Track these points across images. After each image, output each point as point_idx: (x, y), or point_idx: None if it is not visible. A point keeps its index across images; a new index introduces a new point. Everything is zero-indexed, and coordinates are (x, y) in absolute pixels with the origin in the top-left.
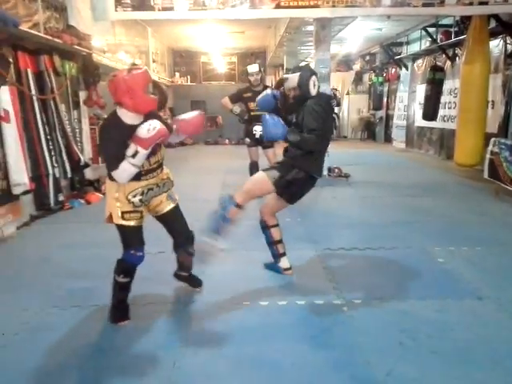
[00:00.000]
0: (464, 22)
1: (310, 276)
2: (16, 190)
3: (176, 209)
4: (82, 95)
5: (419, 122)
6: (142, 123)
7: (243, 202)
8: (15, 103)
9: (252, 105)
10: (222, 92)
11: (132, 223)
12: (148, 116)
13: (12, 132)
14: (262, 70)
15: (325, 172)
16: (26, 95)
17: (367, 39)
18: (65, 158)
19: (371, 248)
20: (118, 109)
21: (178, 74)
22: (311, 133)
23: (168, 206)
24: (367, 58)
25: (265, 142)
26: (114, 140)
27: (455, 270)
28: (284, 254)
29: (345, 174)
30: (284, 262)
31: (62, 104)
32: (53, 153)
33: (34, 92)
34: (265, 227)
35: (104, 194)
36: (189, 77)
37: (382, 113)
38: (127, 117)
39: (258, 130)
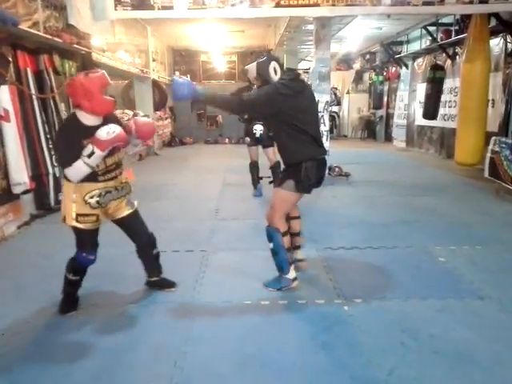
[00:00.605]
0: (464, 21)
1: (310, 275)
2: (16, 190)
3: (135, 213)
4: None
5: (419, 120)
6: (101, 125)
7: (284, 225)
8: (15, 102)
9: None
10: (221, 91)
11: (85, 226)
12: (107, 118)
13: (12, 131)
14: None
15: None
16: (25, 94)
17: (367, 38)
18: None
19: (372, 247)
20: (76, 111)
21: (177, 73)
22: (242, 97)
23: (126, 211)
24: (367, 56)
25: (265, 142)
26: (70, 140)
27: (456, 270)
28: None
29: (345, 173)
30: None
31: (61, 103)
32: (53, 152)
33: (33, 91)
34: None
35: None
36: (189, 76)
37: (382, 112)
38: (85, 118)
39: (257, 129)
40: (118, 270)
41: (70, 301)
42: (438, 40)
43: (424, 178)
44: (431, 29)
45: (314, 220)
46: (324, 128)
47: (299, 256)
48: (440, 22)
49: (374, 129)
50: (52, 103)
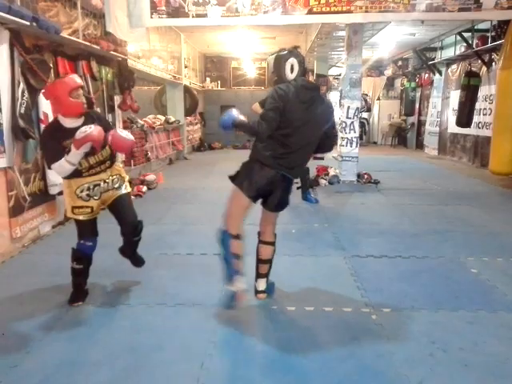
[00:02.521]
0: (501, 27)
1: (337, 283)
2: (52, 190)
3: (124, 196)
4: (117, 99)
5: (452, 128)
6: (81, 126)
7: (236, 229)
8: None
9: None
10: (251, 97)
11: (80, 217)
12: (87, 119)
13: None
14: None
15: (354, 178)
16: None
17: (400, 44)
18: None
19: (402, 256)
20: (58, 115)
21: (208, 80)
22: (264, 112)
23: (116, 195)
24: (399, 63)
25: None
26: (51, 140)
27: (489, 282)
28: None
29: (374, 181)
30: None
31: (97, 108)
32: None
33: None
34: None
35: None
36: (219, 82)
37: (413, 119)
38: (65, 121)
39: None
40: (147, 270)
41: (77, 291)
42: (474, 46)
43: (456, 186)
44: (466, 35)
45: (341, 227)
46: (354, 134)
47: (260, 287)
48: (476, 28)
49: (404, 136)
50: None
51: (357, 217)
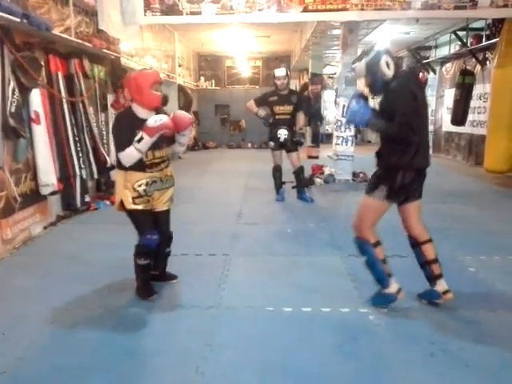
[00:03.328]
0: (496, 26)
1: (334, 283)
2: (44, 191)
3: (169, 211)
4: (110, 98)
5: (447, 126)
6: None
7: (373, 236)
8: (45, 105)
9: (277, 108)
10: (245, 96)
11: (141, 207)
12: (158, 112)
13: (42, 133)
14: (288, 74)
15: (349, 177)
16: (56, 98)
17: (394, 43)
18: (92, 159)
19: (399, 255)
20: (132, 104)
21: (202, 78)
22: (401, 118)
23: (165, 207)
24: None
25: (289, 146)
26: (125, 127)
27: (487, 280)
28: (441, 276)
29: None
30: (441, 285)
31: (90, 107)
32: (80, 154)
33: (63, 94)
34: (414, 245)
35: None
36: (213, 81)
37: None
38: (139, 111)
39: (282, 133)
40: None
41: (147, 286)
42: (468, 45)
43: (451, 184)
44: (461, 34)
45: (337, 226)
46: (349, 133)
47: (442, 287)
48: (470, 26)
49: None
50: (81, 106)
51: (353, 216)
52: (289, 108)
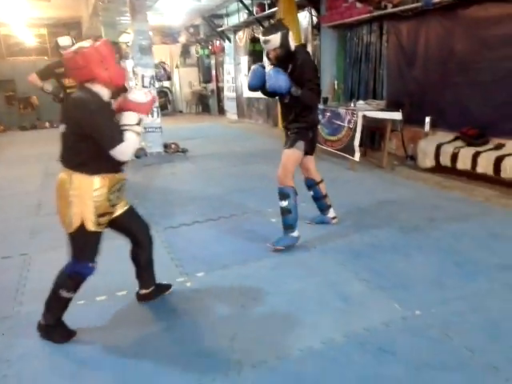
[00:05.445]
0: None
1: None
2: None
3: (132, 208)
4: None
5: (247, 93)
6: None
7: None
8: None
9: (67, 81)
10: (33, 68)
11: (101, 228)
12: (116, 93)
13: None
14: (74, 42)
15: (161, 149)
16: None
17: (188, 11)
18: None
19: (212, 219)
20: (90, 86)
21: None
22: (312, 85)
23: (123, 208)
24: (191, 30)
25: None
26: (109, 112)
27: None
28: (331, 206)
29: (182, 149)
30: (331, 213)
31: None
32: None
33: None
34: (313, 184)
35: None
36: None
37: (212, 85)
38: (104, 93)
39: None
40: None
41: (63, 325)
42: (254, 13)
43: (255, 147)
44: (247, 2)
45: (153, 201)
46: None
47: (331, 214)
48: None
49: (207, 103)
50: None
51: (168, 188)
52: None
